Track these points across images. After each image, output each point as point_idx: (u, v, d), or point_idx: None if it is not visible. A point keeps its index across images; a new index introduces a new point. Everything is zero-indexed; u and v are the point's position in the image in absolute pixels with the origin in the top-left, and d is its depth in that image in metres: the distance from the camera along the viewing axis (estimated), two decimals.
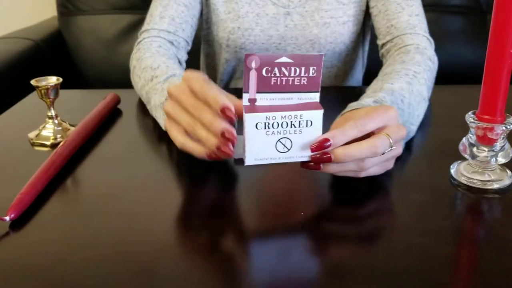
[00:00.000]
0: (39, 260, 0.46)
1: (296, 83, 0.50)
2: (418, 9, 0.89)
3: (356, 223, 0.51)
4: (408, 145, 0.66)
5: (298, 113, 0.49)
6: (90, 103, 0.79)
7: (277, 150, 0.51)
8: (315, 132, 0.50)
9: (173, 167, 0.63)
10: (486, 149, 0.56)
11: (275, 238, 0.48)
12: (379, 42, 0.91)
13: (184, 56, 0.92)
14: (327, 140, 0.50)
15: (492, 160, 0.56)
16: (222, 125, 0.51)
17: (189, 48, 0.94)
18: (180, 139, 0.57)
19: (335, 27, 0.95)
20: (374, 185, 0.57)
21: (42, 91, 0.69)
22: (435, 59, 0.82)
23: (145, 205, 0.54)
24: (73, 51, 1.46)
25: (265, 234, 0.49)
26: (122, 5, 1.45)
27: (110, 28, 1.45)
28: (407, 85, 0.68)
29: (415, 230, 0.49)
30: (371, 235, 0.49)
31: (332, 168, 0.53)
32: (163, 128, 0.67)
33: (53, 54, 1.39)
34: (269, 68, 0.49)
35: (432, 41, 0.87)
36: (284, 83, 0.50)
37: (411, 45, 0.83)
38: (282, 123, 0.49)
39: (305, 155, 0.51)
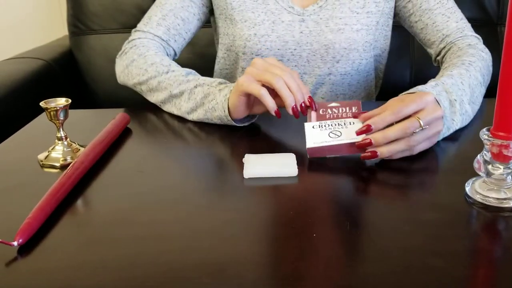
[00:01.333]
0: (47, 286, 0.45)
1: (344, 116, 0.70)
2: (460, 13, 0.98)
3: (369, 242, 0.50)
4: (421, 161, 0.65)
5: (342, 120, 0.69)
6: (100, 123, 0.79)
7: (330, 137, 0.67)
8: (358, 126, 0.67)
9: (183, 188, 0.63)
10: (501, 167, 0.54)
11: (282, 263, 0.47)
12: (433, 52, 0.99)
13: None
14: (369, 125, 0.65)
15: (508, 177, 0.54)
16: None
17: (176, 58, 1.03)
18: (262, 89, 0.72)
19: (349, 33, 0.97)
20: (388, 203, 0.56)
21: (51, 113, 0.69)
22: (487, 50, 0.91)
23: (154, 228, 0.53)
24: (84, 70, 1.47)
25: (273, 261, 0.48)
26: (132, 24, 1.45)
27: (121, 47, 1.45)
28: (465, 71, 0.78)
29: (430, 250, 0.48)
30: (385, 256, 0.47)
31: (386, 151, 0.64)
32: (189, 116, 0.84)
33: (64, 74, 1.39)
34: (324, 110, 0.71)
35: (480, 38, 0.95)
36: (335, 116, 0.70)
37: (464, 44, 0.92)
38: (331, 124, 0.69)
39: (354, 138, 0.66)
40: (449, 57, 0.92)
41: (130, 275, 0.46)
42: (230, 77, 1.09)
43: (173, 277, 0.45)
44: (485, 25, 1.36)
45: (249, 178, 0.63)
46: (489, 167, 0.55)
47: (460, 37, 0.94)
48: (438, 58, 0.98)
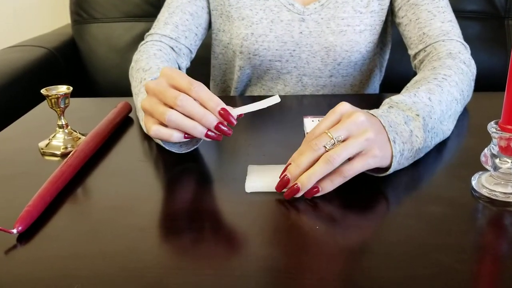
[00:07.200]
0: (46, 275, 0.44)
1: None
2: (450, 15, 0.88)
3: (373, 236, 0.49)
4: (427, 155, 0.64)
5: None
6: (101, 111, 0.78)
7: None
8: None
9: (184, 177, 0.62)
10: (509, 160, 0.53)
11: (285, 256, 0.47)
12: (411, 52, 0.89)
13: (185, 63, 0.93)
14: (287, 178, 0.54)
15: None
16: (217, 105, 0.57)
17: (192, 56, 0.96)
18: (154, 127, 0.59)
19: (352, 35, 0.93)
20: (392, 198, 0.56)
21: (52, 100, 0.68)
22: (470, 62, 0.79)
23: (155, 217, 0.53)
24: (87, 59, 1.46)
25: (275, 253, 0.47)
26: (135, 13, 1.44)
27: (123, 35, 1.44)
28: (436, 86, 0.68)
29: (435, 244, 0.47)
30: (388, 249, 0.47)
31: (305, 178, 0.54)
32: (144, 130, 0.69)
33: (66, 62, 1.39)
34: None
35: (467, 46, 0.85)
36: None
37: (443, 51, 0.81)
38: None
39: None
40: (425, 65, 0.81)
41: (130, 265, 0.45)
42: (229, 73, 1.06)
43: (174, 268, 0.45)
44: (493, 18, 1.35)
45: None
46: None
47: (442, 40, 0.83)
48: (416, 62, 0.88)
